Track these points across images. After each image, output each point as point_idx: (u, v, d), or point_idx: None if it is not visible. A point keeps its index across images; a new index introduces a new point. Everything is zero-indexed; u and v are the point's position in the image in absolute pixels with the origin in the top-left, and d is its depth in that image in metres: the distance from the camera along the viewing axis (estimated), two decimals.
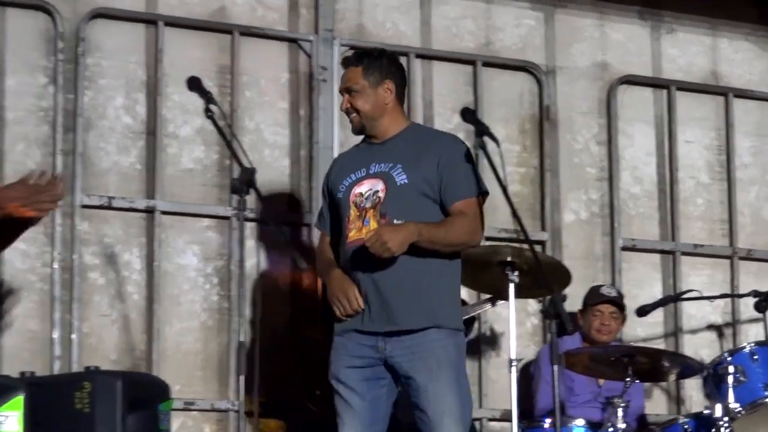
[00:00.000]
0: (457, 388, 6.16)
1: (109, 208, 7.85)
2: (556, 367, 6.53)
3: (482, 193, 6.42)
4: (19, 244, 7.47)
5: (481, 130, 6.60)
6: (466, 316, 7.53)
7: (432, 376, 6.14)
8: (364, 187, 6.38)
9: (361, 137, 6.54)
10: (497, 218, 8.51)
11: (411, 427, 7.23)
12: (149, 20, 8.11)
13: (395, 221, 6.16)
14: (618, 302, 8.16)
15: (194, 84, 6.38)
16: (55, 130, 7.76)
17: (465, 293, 7.87)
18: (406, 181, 6.28)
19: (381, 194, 6.29)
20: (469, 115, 6.73)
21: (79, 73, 7.84)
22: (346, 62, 6.70)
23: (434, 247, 6.16)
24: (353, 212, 6.37)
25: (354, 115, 6.49)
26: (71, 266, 7.67)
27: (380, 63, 6.51)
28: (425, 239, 6.12)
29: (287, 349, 7.82)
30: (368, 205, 6.33)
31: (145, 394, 5.82)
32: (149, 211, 7.89)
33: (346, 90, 6.53)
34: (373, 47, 7.01)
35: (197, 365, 7.90)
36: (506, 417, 7.47)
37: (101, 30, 8.01)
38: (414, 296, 6.19)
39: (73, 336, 7.63)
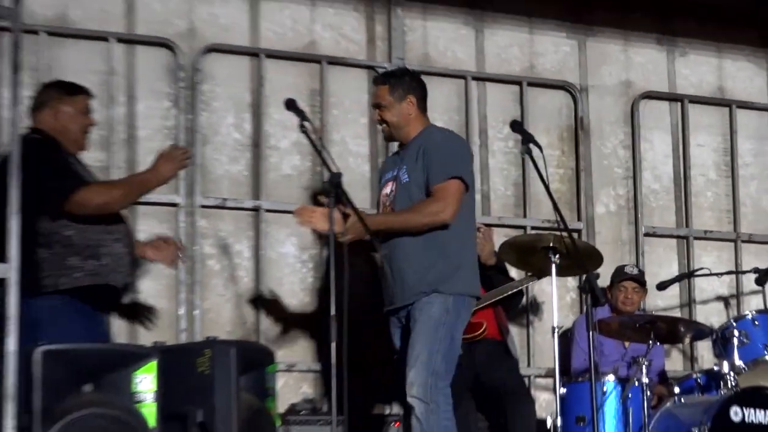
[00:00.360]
0: (430, 338, 6.17)
1: (223, 207, 7.94)
2: (591, 333, 6.57)
3: (460, 178, 6.31)
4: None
5: (527, 139, 6.64)
6: (513, 290, 7.56)
7: (416, 330, 6.22)
8: (388, 188, 6.53)
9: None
10: (541, 211, 8.56)
11: (492, 387, 7.29)
12: (253, 53, 8.16)
13: None
14: (639, 279, 8.14)
15: (291, 105, 6.41)
16: (178, 144, 7.84)
17: (514, 272, 7.92)
18: (408, 179, 6.36)
19: (393, 193, 6.39)
20: (517, 126, 6.80)
21: (197, 98, 7.92)
22: (375, 81, 6.80)
23: (400, 231, 6.23)
24: (381, 209, 6.57)
25: (384, 126, 6.59)
26: (193, 255, 7.76)
27: (402, 81, 6.58)
28: (382, 228, 6.23)
29: (369, 321, 7.87)
30: (388, 203, 6.44)
31: (254, 359, 5.85)
32: (255, 210, 7.97)
33: (376, 105, 6.63)
34: (397, 68, 7.02)
35: (297, 335, 7.97)
36: (550, 374, 7.49)
37: (214, 62, 8.07)
38: (415, 273, 6.25)
39: (196, 312, 7.73)
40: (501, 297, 7.50)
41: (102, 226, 6.07)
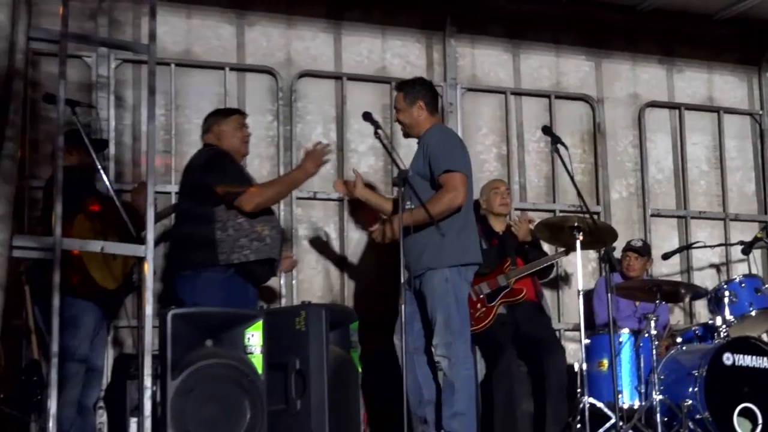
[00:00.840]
0: (440, 307, 6.14)
1: (314, 198, 7.91)
2: (609, 295, 6.48)
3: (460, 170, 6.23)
4: None
5: (556, 140, 6.55)
6: (546, 263, 7.46)
7: (428, 305, 6.21)
8: None
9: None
10: (567, 197, 8.47)
11: (530, 339, 7.21)
12: (337, 77, 8.13)
13: (408, 204, 6.11)
14: (639, 250, 7.98)
15: (367, 117, 6.37)
16: (278, 150, 7.84)
17: (546, 247, 7.82)
18: (412, 172, 6.24)
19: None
20: (547, 130, 6.72)
21: (293, 113, 7.91)
22: (396, 88, 6.71)
23: (426, 222, 6.08)
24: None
25: (402, 126, 6.55)
26: (291, 237, 7.74)
27: (413, 88, 6.51)
28: (413, 223, 6.08)
29: None
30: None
31: (340, 318, 5.83)
32: (340, 200, 7.92)
33: (395, 109, 6.57)
34: (412, 78, 6.78)
35: (374, 297, 7.92)
36: (576, 328, 7.38)
37: (306, 84, 8.05)
38: (419, 251, 6.21)
39: (293, 282, 7.70)
40: (537, 269, 7.39)
41: (263, 216, 6.23)
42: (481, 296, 7.21)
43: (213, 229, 6.09)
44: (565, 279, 8.46)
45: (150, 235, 4.77)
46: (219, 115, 6.65)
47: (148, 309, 4.71)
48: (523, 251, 7.50)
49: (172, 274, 6.39)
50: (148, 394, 4.65)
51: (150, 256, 4.74)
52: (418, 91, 6.51)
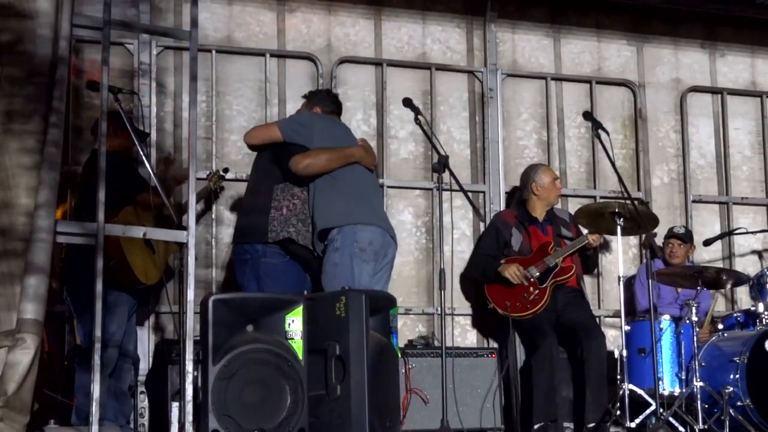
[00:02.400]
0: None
1: None
2: (651, 281, 6.46)
3: None
4: None
5: (597, 126, 6.54)
6: (583, 242, 7.42)
7: None
8: None
9: None
10: (607, 183, 8.45)
11: (571, 325, 7.21)
12: (377, 63, 8.13)
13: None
14: (682, 237, 7.90)
15: (407, 102, 6.39)
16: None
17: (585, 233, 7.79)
18: None
19: None
20: (588, 116, 6.70)
21: None
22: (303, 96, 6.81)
23: None
24: None
25: None
26: None
27: (315, 96, 6.72)
28: None
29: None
30: None
31: (380, 304, 5.82)
32: (381, 186, 7.88)
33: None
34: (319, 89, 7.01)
35: (413, 284, 7.94)
36: (616, 315, 7.36)
37: (347, 71, 8.06)
38: None
39: None
40: (579, 246, 7.37)
41: None
42: (532, 279, 7.21)
43: (269, 209, 6.23)
44: (605, 266, 8.41)
45: (192, 221, 4.80)
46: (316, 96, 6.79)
47: (190, 294, 4.76)
48: (571, 239, 7.51)
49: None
50: (189, 378, 4.69)
51: (192, 242, 4.78)
52: (318, 99, 6.57)
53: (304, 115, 6.54)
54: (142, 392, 6.85)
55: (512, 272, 7.16)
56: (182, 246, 4.89)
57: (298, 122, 6.37)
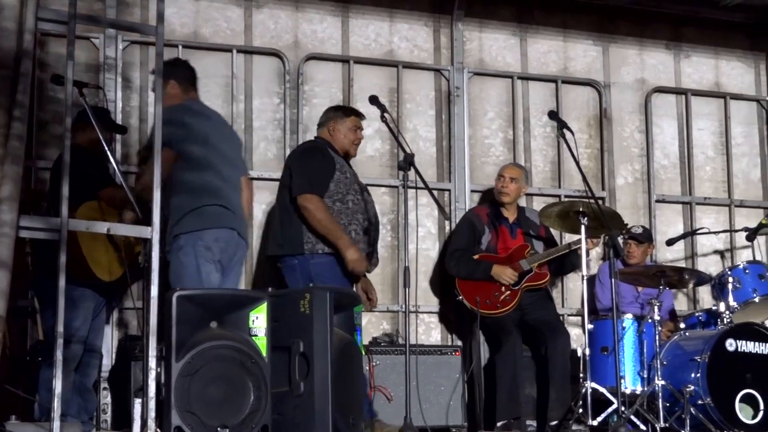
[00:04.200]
0: None
1: (260, 179, 7.70)
2: (614, 280, 6.49)
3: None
4: (262, 206, 7.59)
5: (562, 125, 6.56)
6: (564, 251, 7.46)
7: None
8: None
9: None
10: (572, 182, 8.47)
11: (536, 324, 7.25)
12: (344, 60, 8.12)
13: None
14: (638, 237, 7.89)
15: (374, 100, 6.39)
16: (285, 133, 7.84)
17: (556, 234, 7.83)
18: None
19: None
20: (554, 115, 6.69)
21: (300, 96, 7.91)
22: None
23: None
24: None
25: None
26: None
27: (168, 68, 6.33)
28: None
29: (436, 270, 7.84)
30: None
31: (344, 301, 5.83)
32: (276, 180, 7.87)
33: None
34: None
35: (378, 281, 7.89)
36: (579, 313, 7.40)
37: (313, 67, 8.05)
38: None
39: None
40: (556, 255, 7.42)
41: (354, 209, 6.64)
42: None
43: (302, 220, 6.46)
44: (566, 263, 8.44)
45: (156, 217, 4.78)
46: (339, 112, 6.90)
47: (153, 290, 4.74)
48: (540, 240, 7.54)
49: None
50: (152, 375, 4.67)
51: (156, 238, 4.76)
52: (170, 70, 6.34)
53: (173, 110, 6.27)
54: (104, 388, 6.82)
55: (509, 275, 7.20)
56: (146, 242, 4.87)
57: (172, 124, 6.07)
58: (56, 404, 4.42)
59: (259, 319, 5.24)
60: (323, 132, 6.85)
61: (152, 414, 4.65)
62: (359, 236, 6.55)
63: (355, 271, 6.47)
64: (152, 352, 4.68)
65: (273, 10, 8.02)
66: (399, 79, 8.19)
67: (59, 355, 4.43)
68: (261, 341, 5.24)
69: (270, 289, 5.73)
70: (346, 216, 6.54)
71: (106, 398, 6.85)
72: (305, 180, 6.48)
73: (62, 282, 4.47)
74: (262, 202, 7.65)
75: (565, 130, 6.58)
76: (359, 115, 6.91)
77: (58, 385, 4.42)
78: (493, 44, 8.63)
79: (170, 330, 5.00)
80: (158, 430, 4.76)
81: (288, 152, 7.67)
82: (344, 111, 6.95)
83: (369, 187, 7.35)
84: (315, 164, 6.55)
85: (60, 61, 6.95)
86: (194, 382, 4.99)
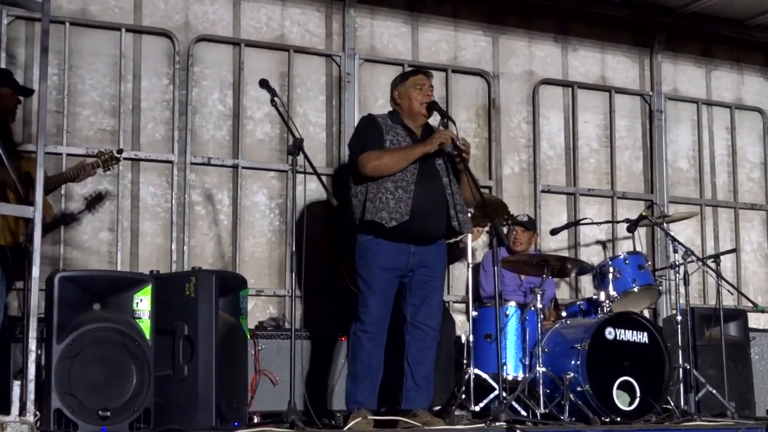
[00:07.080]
0: None
1: (209, 164, 7.86)
2: (497, 268, 6.56)
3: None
4: (149, 187, 7.55)
5: (444, 115, 6.56)
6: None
7: None
8: None
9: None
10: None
11: None
12: (235, 43, 8.07)
13: None
14: (525, 224, 7.95)
15: (264, 84, 6.35)
16: (173, 114, 7.76)
17: None
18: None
19: None
20: (435, 105, 6.58)
21: (189, 77, 7.84)
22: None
23: None
24: None
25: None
26: (183, 202, 7.69)
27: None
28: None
29: (324, 255, 7.85)
30: None
31: (230, 285, 5.84)
32: (234, 167, 7.90)
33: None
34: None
35: (265, 266, 7.92)
36: (464, 300, 7.48)
37: (204, 49, 7.98)
38: None
39: (185, 248, 7.65)
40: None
41: (395, 179, 6.27)
42: None
43: (350, 196, 6.33)
44: (454, 252, 8.54)
45: (39, 196, 4.71)
46: (398, 77, 6.69)
47: (35, 271, 4.67)
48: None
49: None
50: (32, 357, 4.61)
51: (39, 217, 4.69)
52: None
53: None
54: None
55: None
56: (28, 221, 4.79)
57: None
58: None
59: (143, 302, 5.20)
60: (392, 104, 6.64)
61: (31, 396, 4.59)
62: (398, 206, 6.18)
63: (443, 137, 6.28)
64: (32, 333, 4.61)
65: None
66: (290, 64, 8.18)
67: None
68: (145, 324, 5.21)
69: (154, 271, 5.70)
70: (386, 188, 6.22)
71: None
72: (357, 145, 6.37)
73: None
74: (149, 183, 7.59)
75: (446, 120, 6.58)
76: (418, 73, 6.63)
77: None
78: (385, 31, 8.67)
79: (52, 311, 4.94)
80: (37, 413, 4.69)
81: (177, 134, 7.64)
82: (403, 75, 6.77)
83: (258, 172, 7.34)
84: (361, 131, 6.46)
85: None
86: (75, 364, 4.95)
